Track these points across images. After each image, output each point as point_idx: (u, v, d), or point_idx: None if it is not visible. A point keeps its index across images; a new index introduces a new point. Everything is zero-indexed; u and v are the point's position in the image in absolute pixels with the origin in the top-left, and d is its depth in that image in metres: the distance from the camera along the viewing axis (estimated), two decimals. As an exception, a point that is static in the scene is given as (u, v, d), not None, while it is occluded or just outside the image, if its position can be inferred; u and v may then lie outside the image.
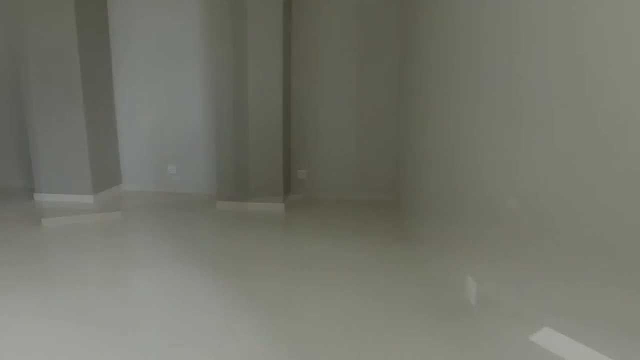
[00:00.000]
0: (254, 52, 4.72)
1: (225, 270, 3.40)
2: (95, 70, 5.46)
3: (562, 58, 1.91)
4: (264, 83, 4.75)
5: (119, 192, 6.01)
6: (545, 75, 2.05)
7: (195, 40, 5.51)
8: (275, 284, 3.26)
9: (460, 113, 3.08)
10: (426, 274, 3.29)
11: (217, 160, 4.96)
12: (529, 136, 2.17)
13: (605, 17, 1.67)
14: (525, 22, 2.25)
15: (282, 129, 4.85)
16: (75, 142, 5.27)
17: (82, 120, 5.20)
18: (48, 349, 2.38)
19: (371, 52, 5.22)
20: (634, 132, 1.51)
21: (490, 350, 2.33)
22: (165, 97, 5.74)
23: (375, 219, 4.75)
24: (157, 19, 5.53)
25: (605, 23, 1.67)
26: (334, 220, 4.71)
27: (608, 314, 1.68)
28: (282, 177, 4.93)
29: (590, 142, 1.74)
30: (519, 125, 2.27)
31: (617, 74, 1.61)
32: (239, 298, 2.93)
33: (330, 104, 5.40)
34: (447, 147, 3.31)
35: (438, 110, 3.56)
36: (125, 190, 6.10)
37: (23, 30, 5.10)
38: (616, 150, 1.62)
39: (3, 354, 2.34)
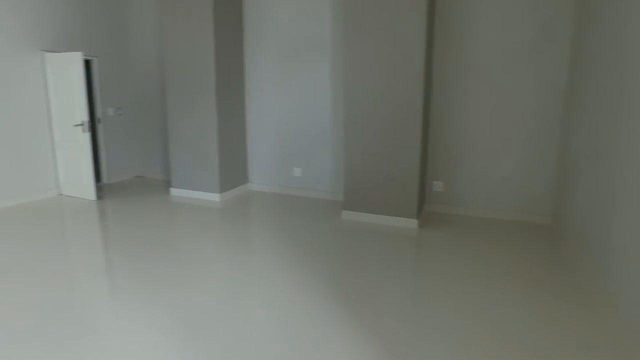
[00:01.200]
0: (391, 50, 4.23)
1: (346, 294, 2.96)
2: (229, 72, 5.51)
3: None
4: (402, 84, 4.22)
5: (245, 191, 6.04)
6: None
7: (326, 40, 5.23)
8: (401, 332, 2.68)
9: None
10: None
11: (345, 165, 4.60)
12: None
13: None
14: None
15: (420, 135, 4.27)
16: (207, 144, 5.38)
17: (214, 124, 5.28)
18: None
19: (530, 51, 4.34)
20: None
21: None
22: (293, 97, 5.57)
23: (528, 247, 3.89)
24: (289, 17, 5.38)
25: None
26: (475, 244, 3.95)
27: None
28: (417, 190, 4.36)
29: None
30: None
31: None
32: (363, 335, 2.45)
33: (475, 109, 4.65)
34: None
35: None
36: (251, 190, 6.11)
37: (167, 37, 5.35)
38: None
39: None
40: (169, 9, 5.32)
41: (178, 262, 3.56)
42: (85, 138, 5.34)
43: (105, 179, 6.56)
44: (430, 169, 4.96)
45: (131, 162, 6.93)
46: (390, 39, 4.22)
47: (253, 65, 5.77)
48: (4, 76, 5.07)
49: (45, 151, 5.61)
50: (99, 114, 6.34)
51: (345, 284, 3.17)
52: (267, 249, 3.87)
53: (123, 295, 2.99)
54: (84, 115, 5.28)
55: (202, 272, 3.38)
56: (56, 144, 5.67)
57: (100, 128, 6.37)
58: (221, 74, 5.30)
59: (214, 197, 5.50)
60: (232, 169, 5.71)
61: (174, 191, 5.80)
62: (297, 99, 5.57)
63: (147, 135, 6.86)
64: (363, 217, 4.63)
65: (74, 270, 3.41)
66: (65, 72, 5.30)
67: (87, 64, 6.23)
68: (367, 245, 3.94)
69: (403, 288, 3.15)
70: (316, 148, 5.55)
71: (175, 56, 5.40)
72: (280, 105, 5.69)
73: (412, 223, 4.41)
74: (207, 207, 5.26)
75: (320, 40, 5.28)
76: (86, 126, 5.30)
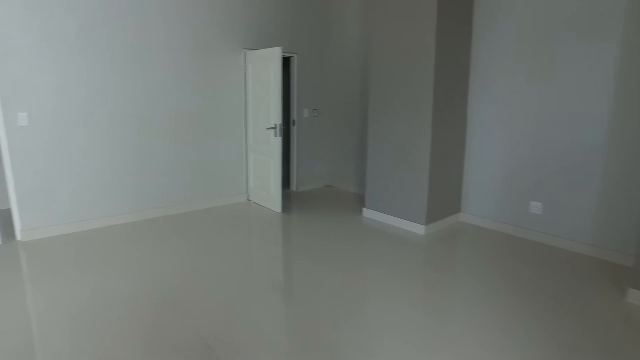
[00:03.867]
0: None
1: None
2: (451, 78, 4.10)
3: None
4: None
5: (456, 223, 4.57)
6: None
7: (606, 17, 3.30)
8: None
9: None
10: None
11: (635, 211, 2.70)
12: None
13: None
14: None
15: None
16: (414, 163, 4.10)
17: (426, 140, 3.95)
18: None
19: None
20: None
21: None
22: (534, 108, 3.83)
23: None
24: (554, -20, 3.64)
25: None
26: None
27: None
28: None
29: None
30: None
31: None
32: None
33: None
34: None
35: None
36: (464, 222, 4.61)
37: (374, 36, 4.26)
38: None
39: None
40: (379, 3, 4.24)
41: (369, 316, 2.39)
42: (276, 143, 4.73)
43: (294, 186, 6.00)
44: None
45: (322, 169, 6.23)
46: None
47: (480, 66, 4.24)
48: (209, 76, 4.84)
49: (240, 154, 5.28)
50: (294, 115, 5.78)
51: None
52: (498, 318, 2.36)
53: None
54: (277, 118, 4.66)
55: (393, 334, 2.12)
56: (249, 147, 5.28)
57: (294, 131, 5.82)
58: (441, 79, 3.95)
59: (417, 228, 4.21)
60: (443, 195, 4.32)
61: (367, 212, 4.75)
62: (539, 109, 3.80)
63: (341, 142, 6.04)
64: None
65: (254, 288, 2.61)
66: (264, 70, 4.78)
67: (287, 64, 5.73)
68: None
69: None
70: (574, 176, 3.68)
71: (383, 59, 4.29)
72: (516, 116, 4.01)
73: None
74: (408, 239, 4.02)
75: (595, 19, 3.39)
76: (279, 130, 4.68)
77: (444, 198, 4.35)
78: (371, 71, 4.46)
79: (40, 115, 3.88)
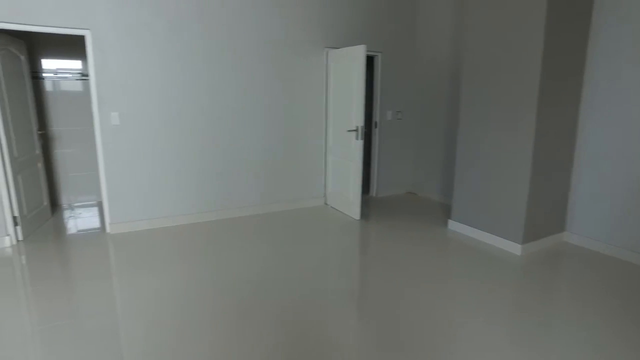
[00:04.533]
0: None
1: None
2: (561, 77, 3.55)
3: None
4: None
5: (559, 243, 3.98)
6: None
7: None
8: None
9: None
10: None
11: None
12: None
13: None
14: None
15: None
16: (511, 174, 3.62)
17: (527, 149, 3.45)
18: None
19: None
20: None
21: None
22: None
23: None
24: None
25: None
26: None
27: None
28: None
29: None
30: None
31: None
32: None
33: None
34: None
35: None
36: (569, 242, 4.00)
37: (470, 31, 3.82)
38: None
39: None
40: (479, -24, 3.80)
41: (451, 340, 2.07)
42: (357, 146, 4.51)
43: (373, 191, 5.73)
44: None
45: (404, 175, 5.88)
46: None
47: (600, 59, 3.62)
48: (292, 76, 4.76)
49: (319, 156, 5.15)
50: (376, 117, 5.51)
51: None
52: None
53: None
54: (359, 120, 4.44)
55: None
56: (328, 149, 5.12)
57: (375, 133, 5.55)
58: (548, 78, 3.42)
59: (512, 247, 3.72)
60: (545, 210, 3.78)
61: (454, 225, 4.34)
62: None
63: (425, 146, 5.64)
64: None
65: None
66: (346, 69, 4.58)
67: (370, 63, 5.48)
68: None
69: None
70: None
71: (479, 56, 3.85)
72: (649, 113, 3.34)
73: None
74: (501, 259, 3.56)
75: None
76: (360, 132, 4.45)
77: (546, 214, 3.80)
78: (464, 70, 4.04)
79: (130, 115, 4.07)
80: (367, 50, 5.08)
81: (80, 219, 4.68)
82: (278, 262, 3.50)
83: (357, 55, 4.37)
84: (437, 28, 5.26)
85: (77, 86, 5.14)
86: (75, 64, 5.09)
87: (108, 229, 4.20)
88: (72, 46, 5.01)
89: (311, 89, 4.92)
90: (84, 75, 5.13)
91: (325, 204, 5.27)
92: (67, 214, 4.90)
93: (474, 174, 4.04)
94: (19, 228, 3.96)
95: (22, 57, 4.28)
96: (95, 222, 4.54)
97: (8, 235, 3.87)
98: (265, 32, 4.53)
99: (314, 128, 5.03)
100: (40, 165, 4.52)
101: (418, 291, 2.98)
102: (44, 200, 4.59)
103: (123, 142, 4.09)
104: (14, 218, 3.92)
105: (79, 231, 4.27)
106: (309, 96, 4.93)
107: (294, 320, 2.57)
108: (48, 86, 5.02)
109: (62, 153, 5.22)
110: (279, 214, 4.87)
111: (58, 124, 5.14)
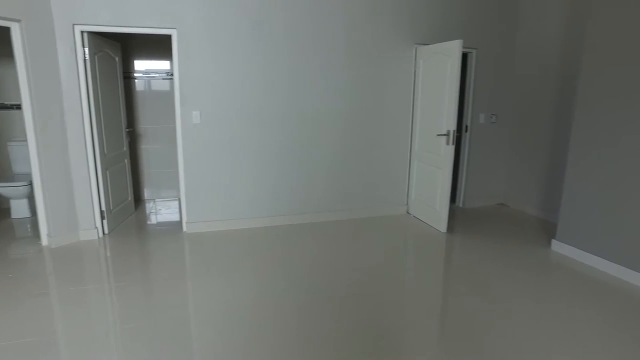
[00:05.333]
0: None
1: None
2: None
3: None
4: None
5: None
6: None
7: None
8: None
9: None
10: None
11: None
12: None
13: None
14: None
15: None
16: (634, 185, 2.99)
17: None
18: None
19: None
20: None
21: None
22: None
23: None
24: None
25: None
26: None
27: None
28: None
29: None
30: None
31: None
32: None
33: None
34: None
35: None
36: None
37: (594, 20, 3.22)
38: None
39: None
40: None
41: None
42: (448, 152, 4.07)
43: (459, 201, 5.23)
44: None
45: (495, 184, 5.30)
46: None
47: None
48: (377, 74, 4.45)
49: (403, 161, 4.77)
50: (467, 120, 5.01)
51: None
52: None
53: None
54: (451, 123, 4.00)
55: None
56: (413, 153, 4.72)
57: (465, 138, 5.05)
58: None
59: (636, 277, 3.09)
60: (687, 235, 3.08)
61: (559, 246, 3.74)
62: None
63: (522, 153, 5.03)
64: None
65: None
66: (439, 67, 4.16)
67: (462, 60, 4.99)
68: None
69: None
70: None
71: (603, 53, 3.25)
72: None
73: None
74: (629, 294, 2.95)
75: None
76: (452, 137, 4.01)
77: (689, 241, 3.10)
78: (584, 67, 3.45)
79: (210, 114, 4.01)
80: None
81: (160, 216, 4.75)
82: (356, 274, 3.19)
83: (452, 51, 3.95)
84: (543, 19, 4.64)
85: (164, 85, 5.25)
86: (163, 65, 5.21)
87: (185, 227, 4.18)
88: (160, 47, 5.12)
89: (397, 89, 4.57)
90: (170, 74, 5.23)
91: (408, 212, 4.88)
92: (148, 209, 5.00)
93: (591, 187, 3.43)
94: (105, 222, 4.06)
95: (117, 59, 4.41)
96: (173, 220, 4.57)
97: (95, 228, 3.98)
98: (349, 28, 4.26)
99: (398, 131, 4.67)
100: (126, 161, 4.64)
101: (511, 324, 2.51)
102: (129, 195, 4.71)
103: (202, 141, 4.04)
104: (101, 212, 4.02)
105: (158, 228, 4.30)
106: (395, 96, 4.58)
107: (365, 338, 2.25)
108: (138, 86, 5.18)
109: (147, 150, 5.36)
110: (357, 221, 4.57)
111: (145, 122, 5.29)
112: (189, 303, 2.76)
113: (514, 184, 5.18)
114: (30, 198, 4.55)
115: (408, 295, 2.90)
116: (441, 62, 4.11)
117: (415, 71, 4.58)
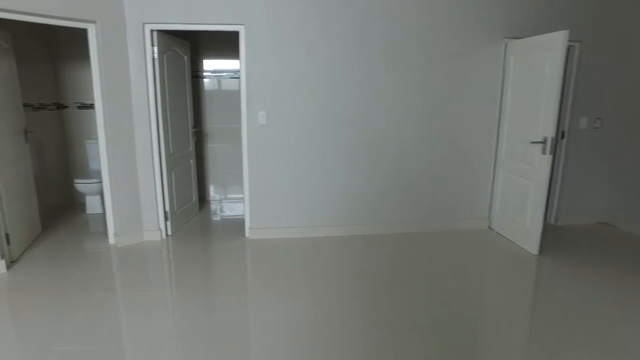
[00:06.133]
0: None
1: None
2: None
3: None
4: None
5: None
6: None
7: None
8: None
9: None
10: None
11: None
12: None
13: None
14: None
15: None
16: None
17: None
18: None
19: None
20: None
21: None
22: None
23: None
24: None
25: None
26: None
27: None
28: None
29: None
30: None
31: None
32: None
33: None
34: None
35: None
36: None
37: None
38: None
39: None
40: None
41: None
42: (544, 162, 3.50)
43: (551, 217, 4.56)
44: None
45: (596, 199, 4.55)
46: None
47: None
48: (459, 72, 3.97)
49: (486, 170, 4.24)
50: (564, 125, 4.34)
51: None
52: None
53: None
54: (549, 129, 3.42)
55: None
56: (499, 162, 4.17)
57: (562, 145, 4.38)
58: None
59: None
60: None
61: None
62: None
63: (632, 163, 4.26)
64: None
65: None
66: (535, 63, 3.59)
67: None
68: None
69: None
70: None
71: None
72: None
73: None
74: None
75: None
76: (550, 145, 3.44)
77: None
78: None
79: (276, 114, 3.79)
80: (561, 39, 3.97)
81: (223, 219, 4.64)
82: (433, 302, 2.78)
83: (553, 45, 3.37)
84: (669, 6, 3.86)
85: (231, 85, 5.16)
86: (231, 64, 5.12)
87: (247, 233, 4.01)
88: (229, 47, 5.03)
89: (481, 89, 4.05)
90: (237, 74, 5.13)
91: (490, 227, 4.33)
92: (212, 211, 4.93)
93: None
94: (168, 223, 4.01)
95: (186, 57, 4.36)
96: (236, 224, 4.43)
97: (159, 229, 3.94)
98: (426, 21, 3.83)
99: (482, 136, 4.14)
100: (192, 161, 4.59)
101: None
102: (193, 196, 4.66)
103: (267, 143, 3.84)
104: (165, 213, 3.97)
105: (220, 232, 4.18)
106: (478, 98, 4.06)
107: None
108: (205, 85, 5.14)
109: (213, 150, 5.31)
110: (431, 234, 4.13)
111: (211, 122, 5.24)
112: (249, 319, 2.54)
113: (621, 199, 4.41)
114: (103, 195, 4.66)
115: (499, 338, 2.44)
116: (538, 58, 3.54)
117: (504, 69, 4.03)
